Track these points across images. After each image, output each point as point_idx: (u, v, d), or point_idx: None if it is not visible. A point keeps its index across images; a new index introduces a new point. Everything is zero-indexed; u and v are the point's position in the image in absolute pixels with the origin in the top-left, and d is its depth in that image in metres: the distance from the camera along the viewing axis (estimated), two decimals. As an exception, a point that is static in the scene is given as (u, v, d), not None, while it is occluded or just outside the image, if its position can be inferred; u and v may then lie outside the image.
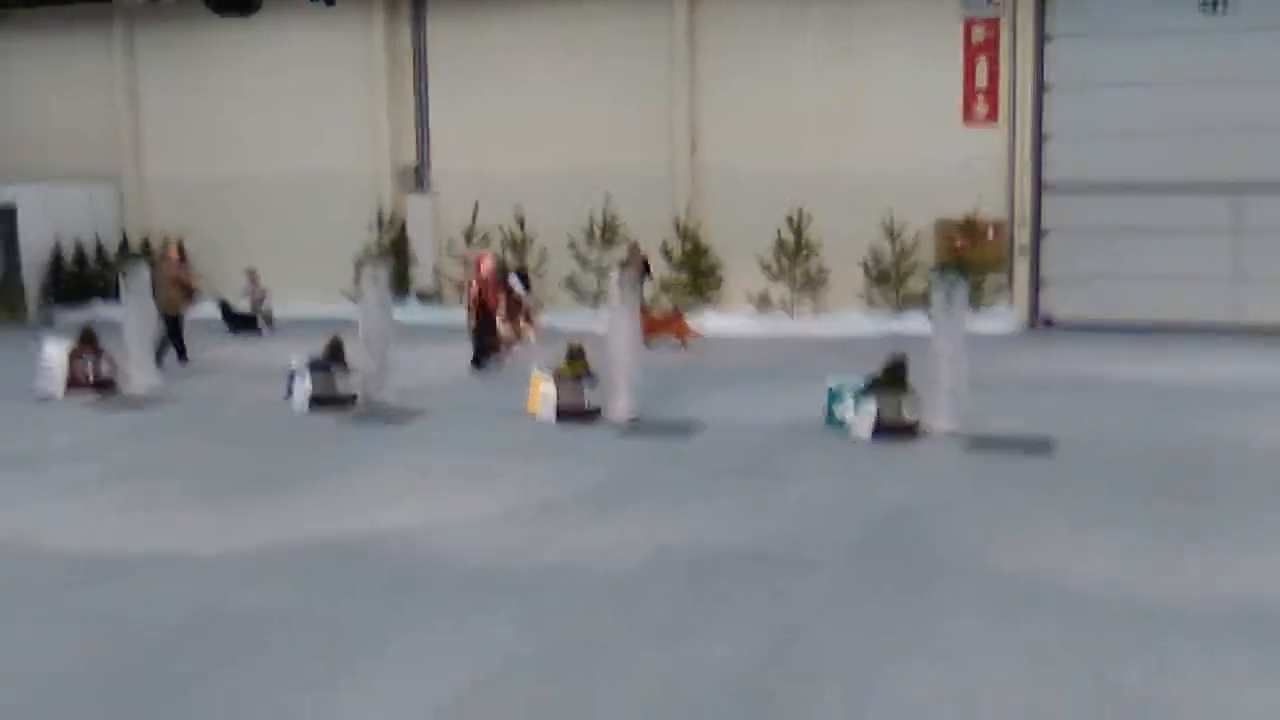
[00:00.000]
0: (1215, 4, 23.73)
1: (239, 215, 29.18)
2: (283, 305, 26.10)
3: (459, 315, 26.74)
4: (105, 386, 18.41)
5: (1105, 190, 24.49)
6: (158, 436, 15.57)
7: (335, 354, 17.27)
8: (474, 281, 19.96)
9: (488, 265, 20.11)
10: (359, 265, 18.12)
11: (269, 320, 25.61)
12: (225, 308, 25.75)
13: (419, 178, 28.60)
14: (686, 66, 26.39)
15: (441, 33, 28.23)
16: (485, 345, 19.78)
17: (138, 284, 18.83)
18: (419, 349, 20.77)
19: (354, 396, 17.08)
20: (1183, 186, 24.09)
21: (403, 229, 28.22)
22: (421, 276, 28.03)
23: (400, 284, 26.08)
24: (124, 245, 29.30)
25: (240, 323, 25.46)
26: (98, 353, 18.58)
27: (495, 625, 8.64)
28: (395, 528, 11.08)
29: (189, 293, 21.06)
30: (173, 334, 20.45)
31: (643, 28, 26.68)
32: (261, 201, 28.99)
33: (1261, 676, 7.58)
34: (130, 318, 18.64)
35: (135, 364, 18.52)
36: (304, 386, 16.90)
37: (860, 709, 7.25)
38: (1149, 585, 9.28)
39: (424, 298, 27.91)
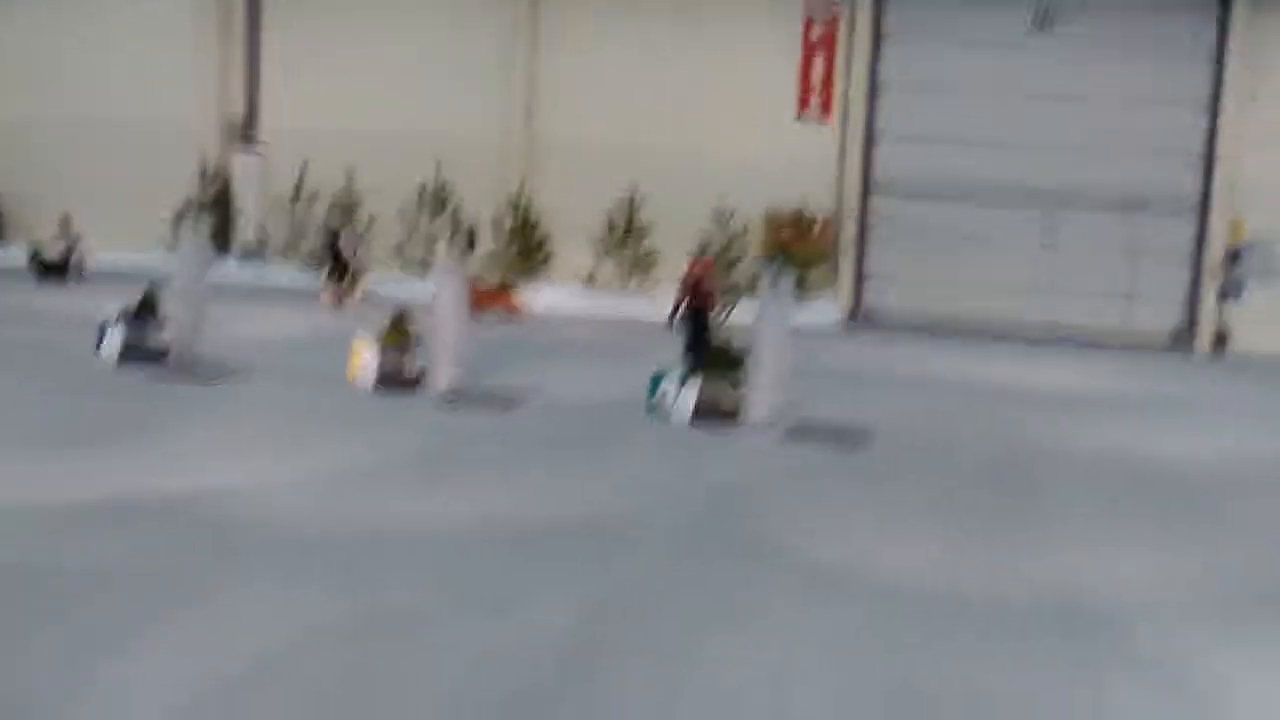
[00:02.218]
0: (1044, 22, 24.44)
1: (55, 158, 28.05)
2: (98, 254, 25.20)
3: (280, 275, 26.30)
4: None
5: (930, 193, 25.07)
6: (-44, 382, 14.92)
7: (149, 306, 16.73)
8: (692, 284, 18.07)
9: (704, 268, 18.68)
10: (178, 216, 17.55)
11: (80, 269, 24.70)
12: (35, 255, 24.76)
13: (247, 131, 27.88)
14: (528, 35, 26.22)
15: (278, -16, 27.57)
16: (699, 350, 16.91)
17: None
18: (239, 307, 20.25)
19: (167, 351, 16.58)
20: (1002, 195, 24.79)
21: (227, 183, 27.49)
22: (245, 233, 27.35)
23: (222, 240, 25.40)
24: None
25: (49, 271, 24.51)
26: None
27: (305, 591, 8.47)
28: (205, 489, 10.78)
29: None
30: None
31: (487, -6, 26.45)
32: (80, 146, 27.90)
33: (1061, 668, 7.83)
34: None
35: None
36: (115, 339, 16.34)
37: (673, 685, 7.30)
38: (956, 576, 9.52)
39: (247, 255, 27.23)
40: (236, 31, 27.69)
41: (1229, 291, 24.22)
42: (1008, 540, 10.60)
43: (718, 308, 17.69)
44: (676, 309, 18.40)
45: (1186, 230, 24.46)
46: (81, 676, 6.99)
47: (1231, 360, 23.47)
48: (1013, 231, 24.77)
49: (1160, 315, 24.52)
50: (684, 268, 18.50)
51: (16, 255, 25.66)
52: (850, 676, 7.56)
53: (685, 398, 14.71)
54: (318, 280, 23.78)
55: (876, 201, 25.55)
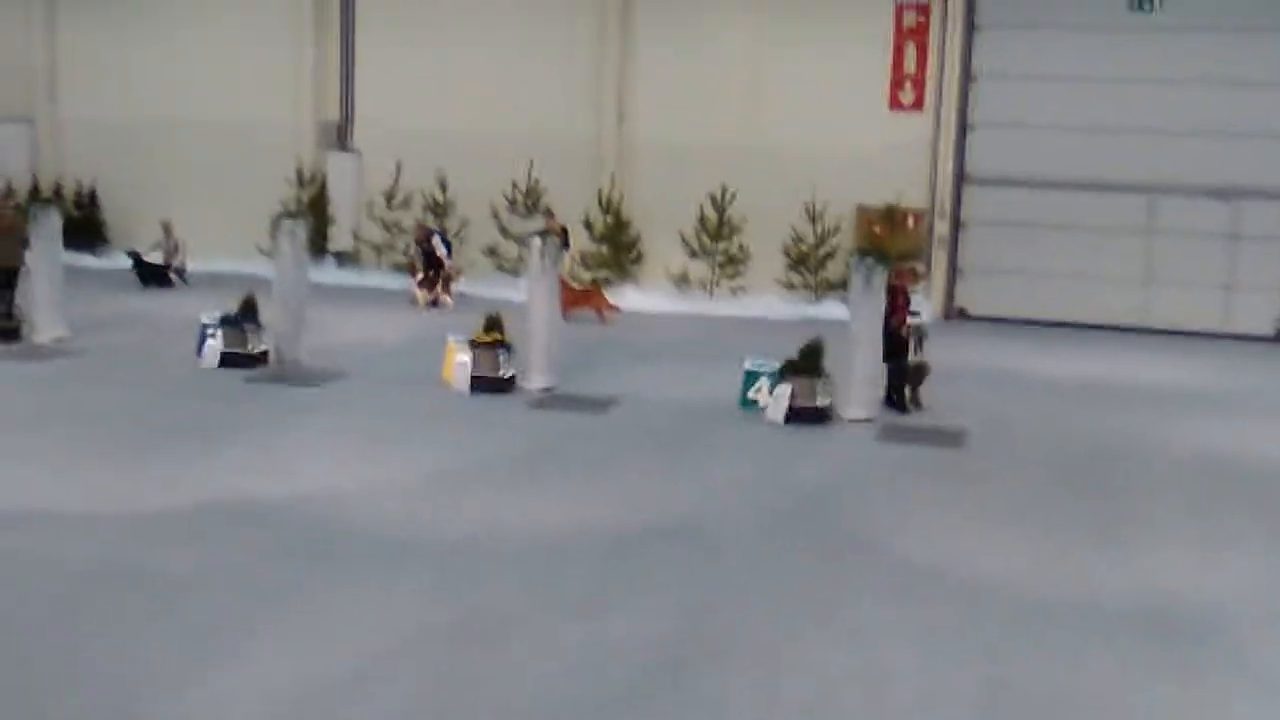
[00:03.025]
0: (1145, 2, 24.00)
1: (155, 163, 28.55)
2: (197, 259, 25.63)
3: (374, 278, 26.60)
4: (9, 336, 17.98)
5: (1025, 184, 24.69)
6: (61, 390, 15.26)
7: (248, 311, 17.01)
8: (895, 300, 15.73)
9: (903, 278, 16.48)
10: (276, 221, 17.80)
11: (181, 274, 25.14)
12: (137, 259, 25.24)
13: (342, 135, 28.20)
14: (619, 36, 26.23)
15: (371, -10, 27.86)
16: (900, 379, 15.54)
17: (48, 230, 18.38)
18: (335, 310, 20.51)
19: (266, 355, 16.85)
20: (1100, 184, 24.37)
21: (323, 187, 27.83)
22: (341, 237, 27.68)
23: (318, 243, 25.72)
24: (34, 189, 28.64)
25: (152, 275, 24.96)
26: (5, 299, 18.15)
27: (408, 594, 8.59)
28: (306, 491, 10.96)
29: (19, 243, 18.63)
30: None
31: (576, -4, 26.54)
32: (180, 150, 28.37)
33: (1155, 672, 7.73)
34: (39, 264, 18.21)
35: (42, 313, 18.10)
36: (215, 343, 16.64)
37: (773, 685, 7.31)
38: (1052, 579, 9.43)
39: (342, 258, 27.56)
40: (331, 34, 27.97)
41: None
42: (1102, 541, 10.47)
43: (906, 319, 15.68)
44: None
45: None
46: (189, 677, 7.15)
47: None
48: (1110, 221, 24.30)
49: (1264, 306, 23.97)
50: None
51: (120, 260, 26.16)
52: (950, 676, 7.52)
53: (778, 396, 14.67)
54: (411, 283, 24.01)
55: (970, 194, 25.24)
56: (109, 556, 9.15)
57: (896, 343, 15.34)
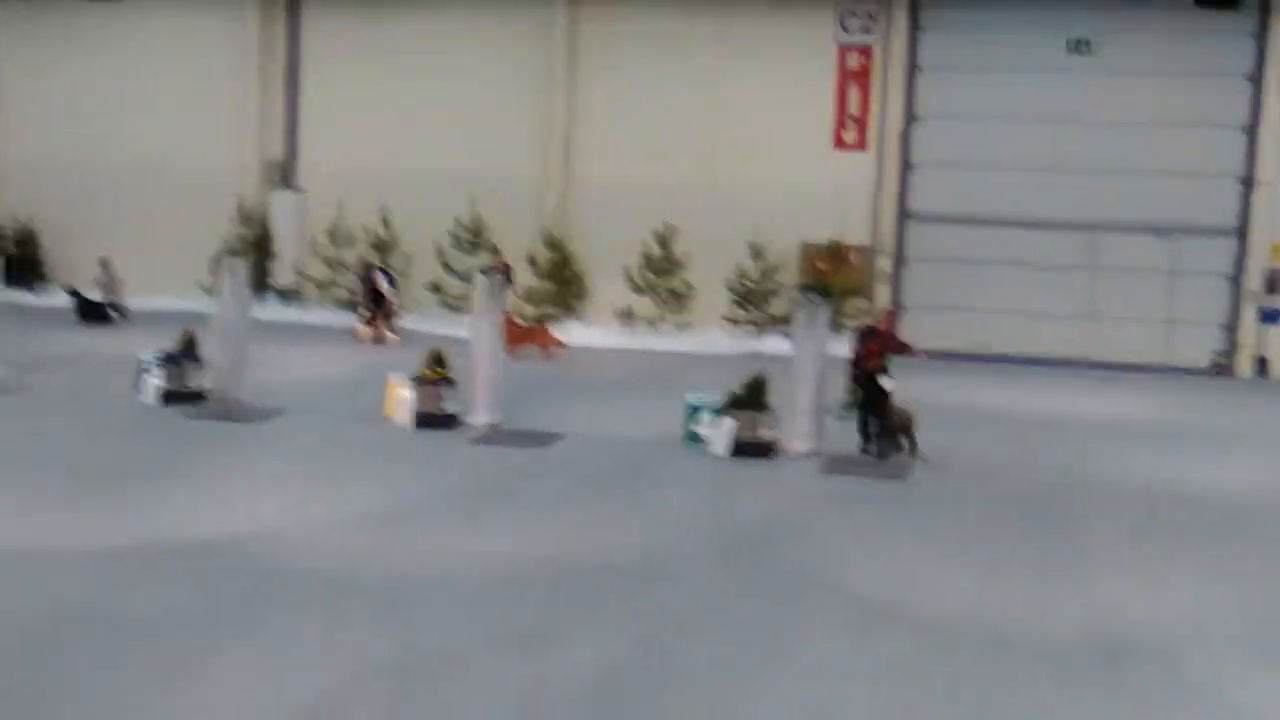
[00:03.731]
0: (1081, 45, 24.35)
1: (96, 201, 28.30)
2: (137, 296, 25.40)
3: (317, 314, 26.45)
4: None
5: (967, 221, 24.96)
6: (1, 428, 15.03)
7: (189, 348, 16.85)
8: (868, 343, 15.10)
9: (887, 322, 16.25)
10: (217, 258, 17.66)
11: (121, 311, 24.91)
12: (77, 296, 24.99)
13: (286, 173, 28.10)
14: (565, 75, 26.32)
15: (317, 26, 27.77)
16: (883, 425, 14.88)
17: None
18: (278, 347, 20.34)
19: (207, 392, 16.68)
20: (1041, 222, 24.67)
21: (265, 224, 27.69)
22: (284, 273, 27.52)
23: (260, 280, 25.57)
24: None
25: (92, 312, 24.72)
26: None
27: (351, 632, 8.48)
28: (249, 530, 10.82)
29: None
30: None
31: (522, 33, 26.55)
32: (120, 188, 28.13)
33: (1109, 701, 7.75)
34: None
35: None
36: (155, 380, 16.46)
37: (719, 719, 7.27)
38: (1002, 611, 9.44)
39: (285, 295, 27.40)
40: (276, 73, 27.92)
41: (1269, 316, 24.00)
42: (1051, 573, 10.51)
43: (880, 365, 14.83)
44: (856, 364, 15.09)
45: (1226, 254, 24.26)
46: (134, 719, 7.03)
47: (1273, 385, 23.23)
48: (1051, 258, 24.61)
49: (1200, 340, 24.30)
50: (864, 321, 16.12)
51: (59, 297, 25.89)
52: (904, 710, 7.50)
53: (722, 430, 14.67)
54: (355, 319, 23.89)
55: (913, 231, 25.47)
56: (52, 598, 8.98)
57: (870, 387, 14.78)
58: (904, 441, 14.71)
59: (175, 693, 7.36)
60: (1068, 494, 13.51)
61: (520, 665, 7.98)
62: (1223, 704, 7.79)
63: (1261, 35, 23.70)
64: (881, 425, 14.78)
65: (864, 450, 14.85)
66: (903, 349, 15.40)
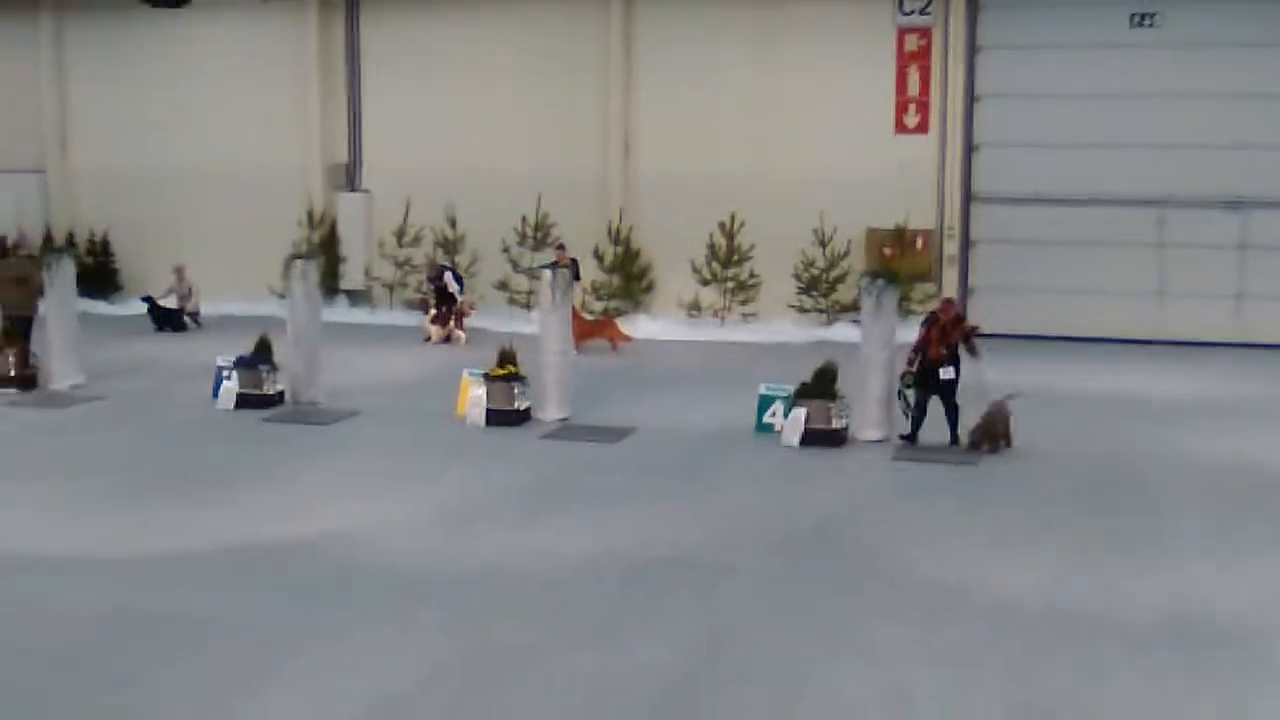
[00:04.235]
0: (1145, 19, 24.05)
1: (166, 209, 28.72)
2: (210, 302, 25.76)
3: (387, 315, 26.69)
4: (26, 383, 18.07)
5: (1032, 202, 24.73)
6: (80, 435, 15.34)
7: (263, 352, 17.09)
8: (930, 331, 14.71)
9: (949, 313, 15.03)
10: (288, 262, 17.87)
11: (195, 317, 25.28)
12: (151, 304, 25.40)
13: (350, 175, 28.36)
14: (622, 69, 26.36)
15: (376, 28, 27.99)
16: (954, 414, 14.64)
17: (62, 278, 18.50)
18: (349, 349, 20.58)
19: (281, 395, 16.92)
20: (1108, 199, 24.40)
21: (333, 227, 27.97)
22: (352, 275, 27.80)
23: (330, 283, 25.83)
24: (48, 238, 28.83)
25: (166, 319, 25.11)
26: (20, 347, 18.24)
27: (424, 630, 8.61)
28: (323, 531, 10.99)
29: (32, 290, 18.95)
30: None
31: (578, 29, 26.60)
32: (189, 196, 28.54)
33: (1184, 685, 7.70)
34: (54, 312, 18.32)
35: (58, 360, 18.19)
36: (231, 385, 16.71)
37: (788, 711, 7.30)
38: (1075, 594, 9.40)
39: (354, 297, 27.68)
40: (337, 76, 28.16)
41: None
42: (1127, 556, 10.44)
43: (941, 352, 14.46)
44: (917, 358, 14.69)
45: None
46: (211, 719, 7.18)
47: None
48: (1119, 235, 24.33)
49: (1273, 314, 23.92)
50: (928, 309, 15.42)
51: (134, 306, 26.31)
52: (974, 696, 7.50)
53: (793, 419, 14.68)
54: (424, 319, 24.08)
55: (978, 213, 25.27)
56: (128, 601, 9.18)
57: (929, 376, 14.55)
58: (998, 442, 14.36)
59: (246, 694, 7.50)
60: (1143, 475, 13.39)
61: (591, 659, 8.06)
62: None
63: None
64: (954, 414, 14.59)
65: (953, 441, 14.51)
66: (965, 339, 14.77)
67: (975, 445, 14.34)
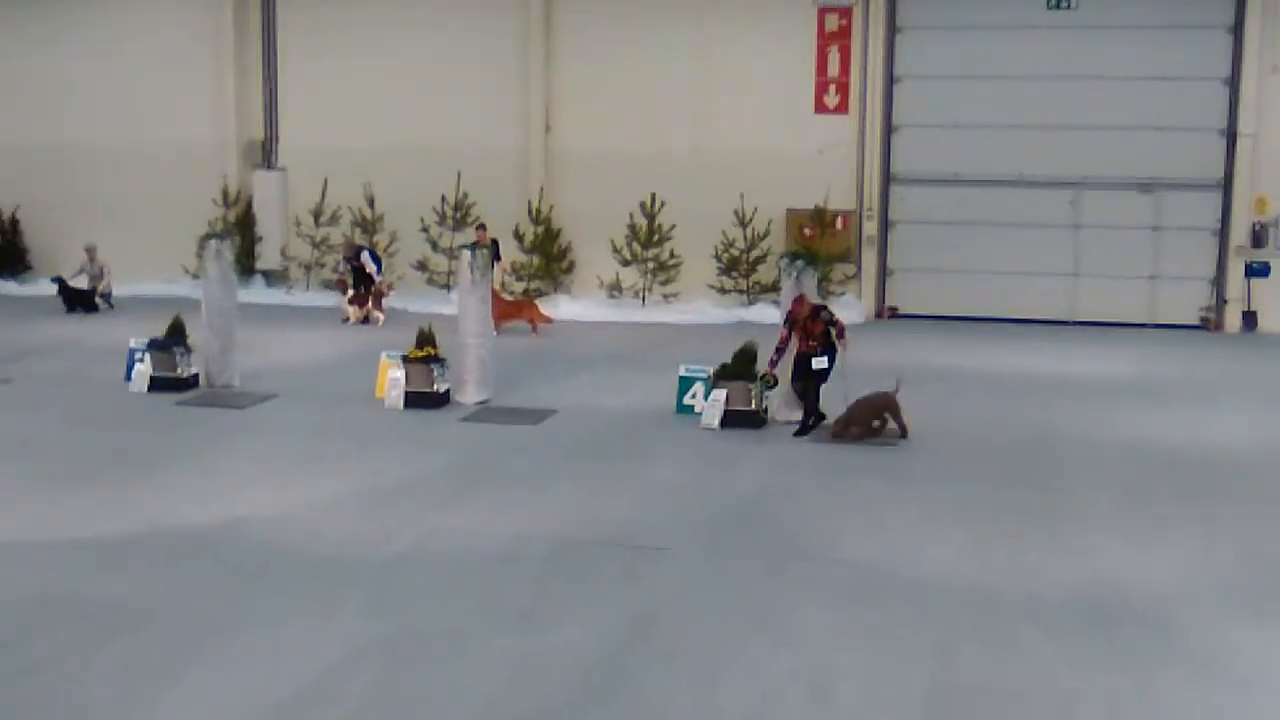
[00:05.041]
0: (1062, 1, 24.29)
1: (78, 187, 28.12)
2: (122, 283, 25.32)
3: (304, 296, 26.40)
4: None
5: (952, 182, 24.95)
6: (-11, 417, 15.03)
7: (177, 334, 16.81)
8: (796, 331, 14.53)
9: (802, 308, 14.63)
10: (202, 242, 17.57)
11: (108, 298, 24.84)
12: (62, 285, 24.90)
13: (266, 152, 27.97)
14: (542, 46, 26.21)
15: (292, 4, 27.61)
16: (813, 405, 14.53)
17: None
18: (265, 330, 20.32)
19: (196, 378, 16.66)
20: (1025, 181, 24.67)
21: (249, 205, 27.59)
22: (268, 255, 27.45)
23: (245, 263, 25.49)
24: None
25: (78, 301, 24.64)
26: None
27: (346, 613, 8.52)
28: (243, 515, 10.84)
29: None
30: None
31: (499, 5, 26.43)
32: (101, 173, 27.97)
33: (1101, 661, 7.80)
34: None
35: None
36: (144, 368, 16.43)
37: (712, 691, 7.30)
38: (994, 573, 9.50)
39: (271, 277, 27.34)
40: (252, 52, 27.74)
41: (1256, 270, 24.01)
42: (1041, 533, 10.57)
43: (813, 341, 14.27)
44: (779, 359, 14.64)
45: (1211, 208, 24.27)
46: (130, 707, 7.05)
47: (1261, 339, 23.29)
48: (1035, 217, 24.61)
49: (1187, 296, 24.35)
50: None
51: (44, 287, 25.81)
52: (896, 674, 7.55)
53: (714, 402, 14.68)
54: (342, 300, 23.84)
55: (897, 194, 25.45)
56: (44, 586, 9.01)
57: (802, 368, 14.41)
58: (888, 425, 14.17)
59: (164, 680, 7.38)
60: (1057, 455, 13.56)
61: (515, 641, 8.03)
62: (1214, 662, 7.84)
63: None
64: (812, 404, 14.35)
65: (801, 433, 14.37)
66: (830, 327, 14.40)
67: (841, 433, 14.02)
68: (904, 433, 14.11)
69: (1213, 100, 24.01)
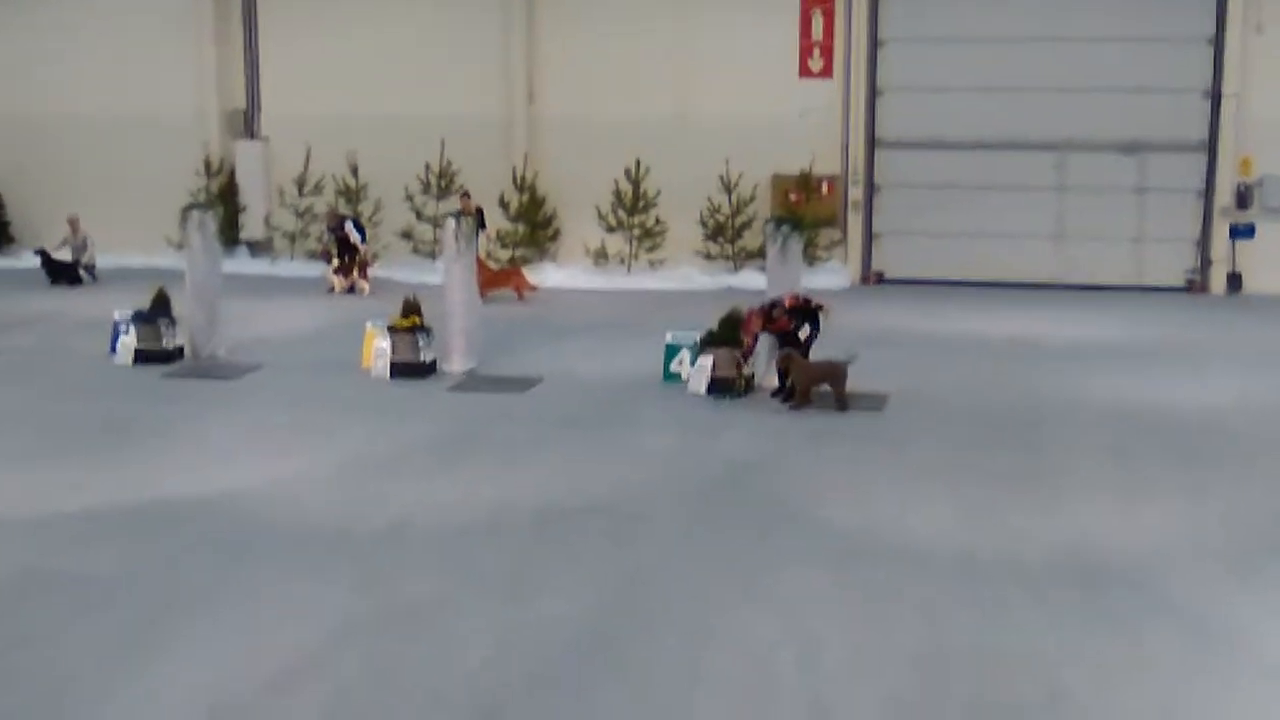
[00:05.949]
0: (1047, -37, 24.22)
1: (60, 158, 27.98)
2: (106, 255, 25.20)
3: (289, 267, 26.31)
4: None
5: (937, 146, 24.91)
6: (-27, 391, 14.98)
7: (161, 306, 16.75)
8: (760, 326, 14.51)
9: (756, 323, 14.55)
10: (185, 213, 17.48)
11: (91, 270, 24.73)
12: (44, 257, 24.78)
13: (249, 122, 27.83)
14: (525, 11, 26.07)
15: (272, -26, 27.47)
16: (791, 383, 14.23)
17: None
18: (250, 301, 20.25)
19: (181, 350, 16.61)
20: (1009, 143, 24.63)
21: (232, 175, 27.46)
22: (252, 225, 27.34)
23: (229, 233, 25.39)
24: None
25: (60, 272, 24.53)
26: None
27: (334, 584, 8.52)
28: (229, 487, 10.82)
29: None
30: None
31: (480, -28, 26.33)
32: (83, 144, 27.80)
33: (1086, 624, 7.84)
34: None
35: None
36: (129, 340, 16.37)
37: (699, 657, 7.33)
38: (980, 537, 9.53)
39: (255, 248, 27.24)
40: (234, 20, 27.55)
41: (1240, 231, 24.02)
42: (1026, 496, 10.61)
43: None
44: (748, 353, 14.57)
45: (1195, 170, 24.27)
46: (115, 681, 7.05)
47: (1246, 301, 23.34)
48: (1021, 179, 24.59)
49: (1172, 258, 24.38)
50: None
51: (27, 259, 25.70)
52: (884, 638, 7.58)
53: (699, 367, 14.68)
54: (327, 270, 23.76)
55: (882, 158, 25.41)
56: (30, 560, 8.99)
57: (792, 341, 14.32)
58: (830, 395, 13.96)
59: (152, 654, 7.38)
60: (1042, 418, 13.59)
61: (503, 610, 8.04)
62: (1199, 624, 7.88)
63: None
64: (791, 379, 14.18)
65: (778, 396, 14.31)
66: (802, 308, 14.47)
67: (779, 394, 14.08)
68: (842, 406, 13.78)
69: (1197, 61, 23.99)
